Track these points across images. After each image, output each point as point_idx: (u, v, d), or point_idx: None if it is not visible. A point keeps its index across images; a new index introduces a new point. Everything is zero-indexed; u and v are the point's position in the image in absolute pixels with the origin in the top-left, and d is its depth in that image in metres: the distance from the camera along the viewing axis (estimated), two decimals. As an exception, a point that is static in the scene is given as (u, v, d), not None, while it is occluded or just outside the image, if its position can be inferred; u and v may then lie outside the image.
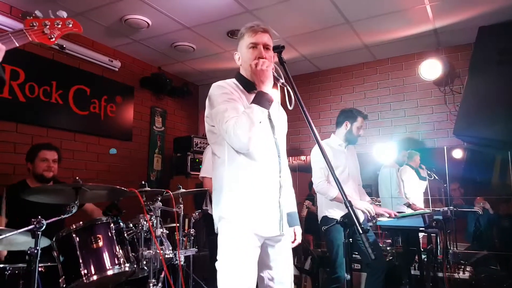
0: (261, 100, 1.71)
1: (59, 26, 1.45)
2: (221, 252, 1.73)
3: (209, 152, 3.59)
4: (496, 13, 3.65)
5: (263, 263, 1.81)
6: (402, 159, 4.46)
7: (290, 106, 1.76)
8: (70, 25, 1.48)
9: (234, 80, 1.91)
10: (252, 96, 1.79)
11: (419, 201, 4.30)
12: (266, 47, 1.83)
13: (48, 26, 1.42)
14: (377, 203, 3.67)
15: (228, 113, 1.69)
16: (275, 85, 1.82)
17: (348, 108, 3.44)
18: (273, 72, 1.80)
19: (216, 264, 1.74)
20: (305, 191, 4.84)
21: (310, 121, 1.63)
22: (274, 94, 1.80)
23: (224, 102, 1.73)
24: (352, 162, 3.33)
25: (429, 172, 4.35)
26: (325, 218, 3.15)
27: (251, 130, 1.64)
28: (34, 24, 1.38)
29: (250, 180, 1.74)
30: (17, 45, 1.32)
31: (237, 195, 1.74)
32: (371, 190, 4.53)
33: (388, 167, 4.52)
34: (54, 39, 1.43)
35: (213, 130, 1.81)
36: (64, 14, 1.47)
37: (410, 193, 4.26)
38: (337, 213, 3.06)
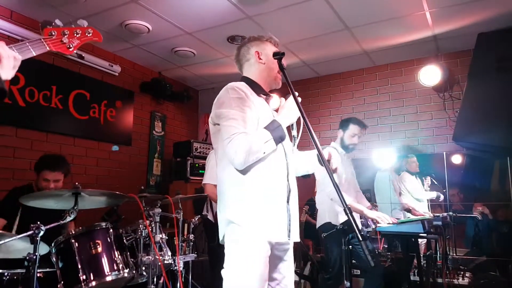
0: (282, 135, 1.69)
1: (79, 35, 1.42)
2: (231, 259, 1.63)
3: (212, 159, 3.53)
4: (495, 19, 3.67)
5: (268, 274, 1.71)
6: (405, 166, 4.44)
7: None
8: (90, 34, 1.45)
9: (243, 83, 1.85)
10: (259, 99, 1.81)
11: (423, 206, 4.29)
12: None
13: (67, 35, 1.38)
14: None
15: (238, 123, 1.62)
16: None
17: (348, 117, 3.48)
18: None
19: (223, 271, 1.63)
20: (305, 196, 4.83)
21: (310, 127, 1.61)
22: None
23: (237, 108, 1.66)
24: (348, 168, 3.36)
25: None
26: (328, 224, 3.12)
27: (253, 156, 1.60)
28: (53, 33, 1.35)
29: (259, 183, 1.66)
30: (34, 54, 1.27)
31: (247, 199, 1.65)
32: (370, 195, 4.53)
33: (383, 171, 4.51)
34: (72, 48, 1.40)
35: (220, 129, 1.73)
36: (84, 23, 1.43)
37: (411, 198, 4.25)
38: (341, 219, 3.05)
